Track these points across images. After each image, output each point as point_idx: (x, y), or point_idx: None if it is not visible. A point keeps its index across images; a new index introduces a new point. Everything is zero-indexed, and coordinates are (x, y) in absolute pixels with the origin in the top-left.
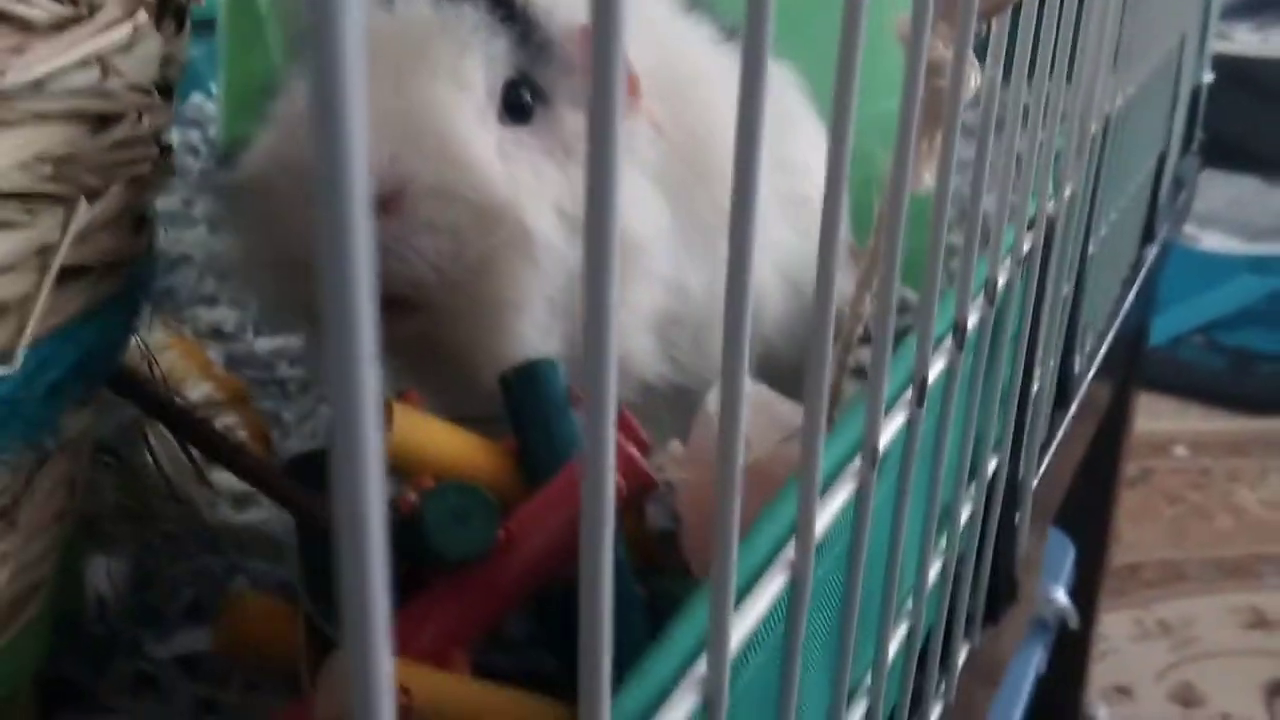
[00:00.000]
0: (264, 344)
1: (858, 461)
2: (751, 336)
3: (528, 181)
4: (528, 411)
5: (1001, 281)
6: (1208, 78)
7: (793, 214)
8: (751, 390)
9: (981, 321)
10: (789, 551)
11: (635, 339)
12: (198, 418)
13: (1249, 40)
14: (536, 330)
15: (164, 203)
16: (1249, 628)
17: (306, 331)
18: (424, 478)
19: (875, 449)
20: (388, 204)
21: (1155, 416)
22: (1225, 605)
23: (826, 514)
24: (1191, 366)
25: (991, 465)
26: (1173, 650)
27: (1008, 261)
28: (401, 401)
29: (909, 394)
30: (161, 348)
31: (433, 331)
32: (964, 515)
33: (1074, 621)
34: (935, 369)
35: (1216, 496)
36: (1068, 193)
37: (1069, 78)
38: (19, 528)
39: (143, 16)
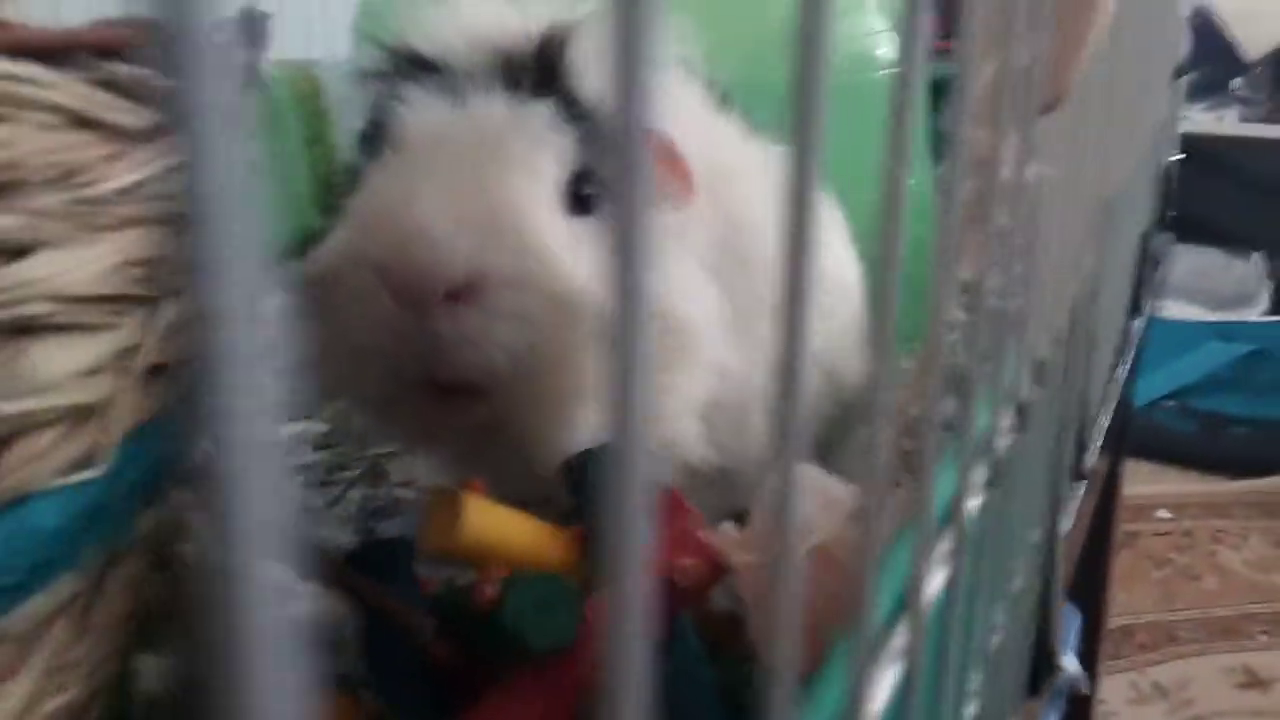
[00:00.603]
0: (286, 430)
1: (948, 541)
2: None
3: (595, 272)
4: (590, 498)
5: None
6: (1176, 157)
7: (825, 300)
8: (804, 473)
9: (1032, 401)
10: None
11: (682, 423)
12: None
13: (1203, 119)
14: (599, 417)
15: None
16: (1243, 688)
17: (367, 418)
18: (497, 568)
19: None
20: (465, 294)
21: (1136, 481)
22: (1218, 666)
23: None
24: (1166, 431)
25: (1034, 535)
26: (1170, 713)
27: (1046, 341)
28: (469, 490)
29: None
30: None
31: (497, 418)
32: (1015, 590)
33: (1086, 688)
34: (1000, 442)
35: (1202, 558)
36: (1088, 269)
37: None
38: (90, 632)
39: None
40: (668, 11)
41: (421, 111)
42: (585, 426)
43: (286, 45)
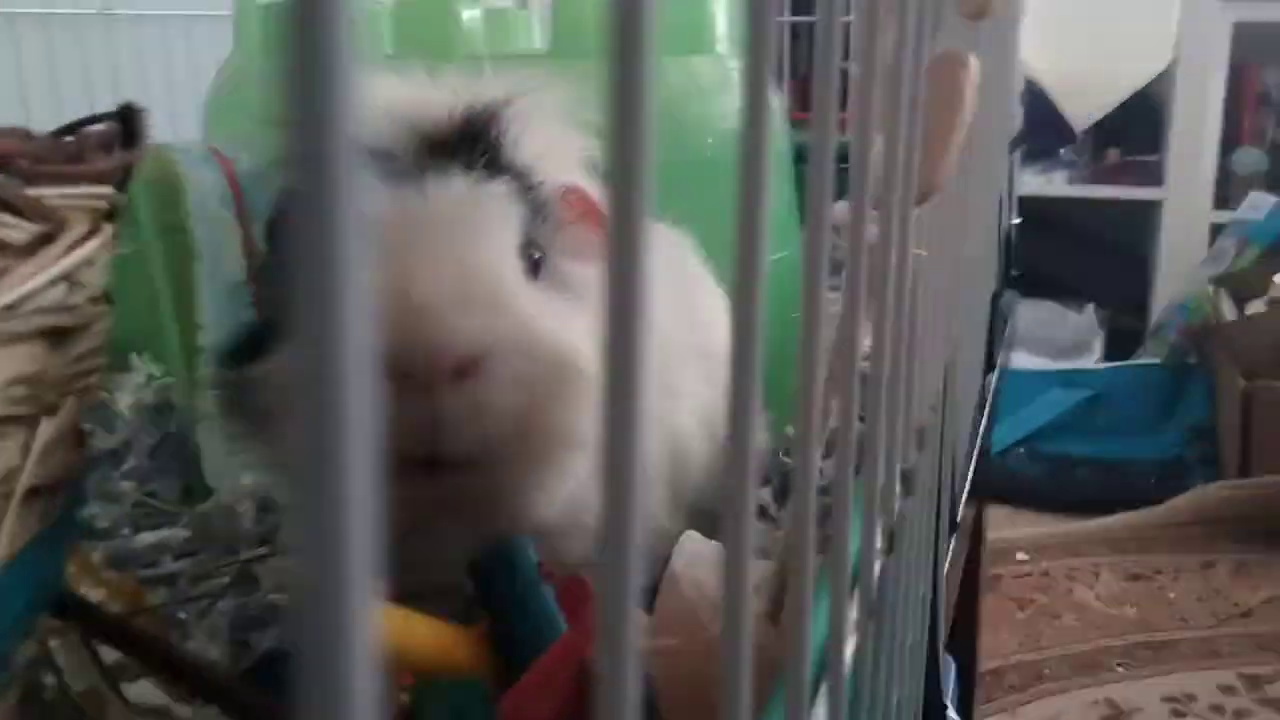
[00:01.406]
0: (144, 539)
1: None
2: (681, 482)
3: (570, 330)
4: (501, 593)
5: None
6: (1015, 220)
7: (705, 368)
8: (709, 551)
9: (917, 469)
10: None
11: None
12: (152, 635)
13: (1035, 182)
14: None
15: None
16: None
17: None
18: (404, 674)
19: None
20: (470, 368)
21: (995, 525)
22: (1083, 701)
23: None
24: (1018, 476)
25: (921, 591)
26: None
27: (926, 406)
28: None
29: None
30: None
31: (479, 489)
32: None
33: None
34: (893, 514)
35: (1060, 596)
36: (955, 334)
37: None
38: None
39: (108, 229)
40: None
41: (377, 195)
42: (566, 489)
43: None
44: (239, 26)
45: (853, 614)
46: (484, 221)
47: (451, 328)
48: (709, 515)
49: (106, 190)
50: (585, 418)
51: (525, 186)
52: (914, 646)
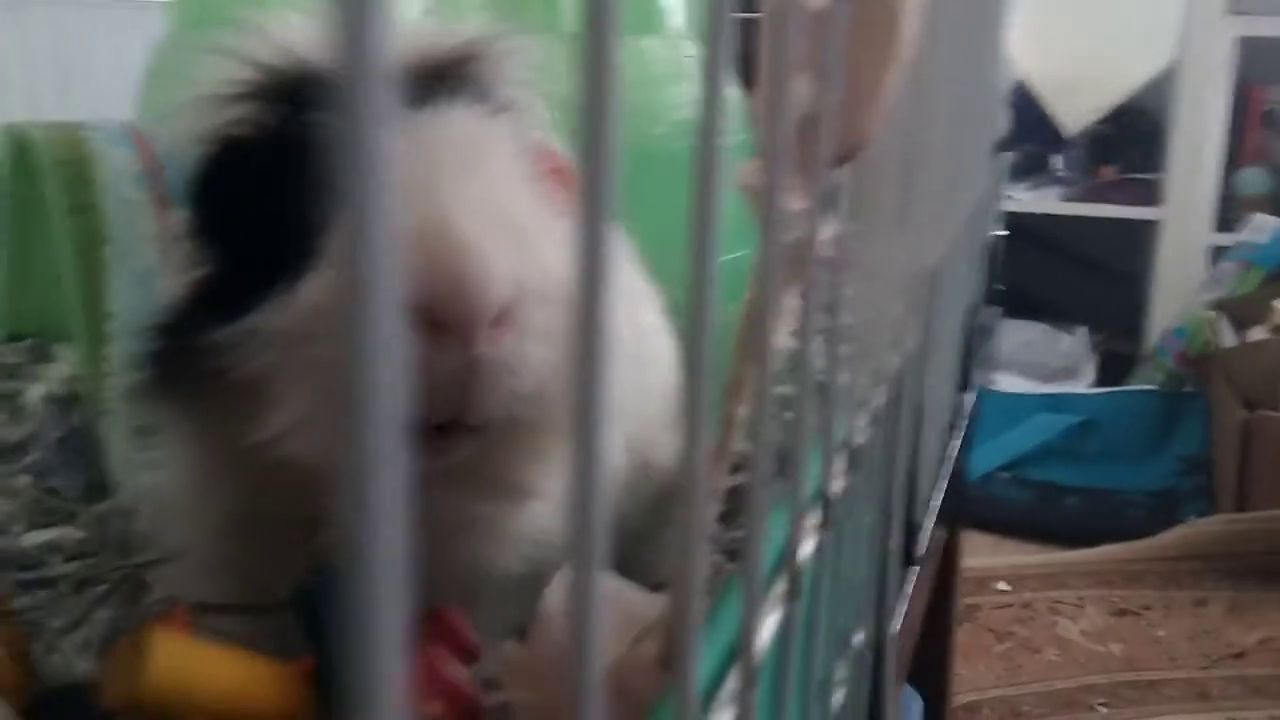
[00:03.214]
0: (35, 538)
1: (732, 682)
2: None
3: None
4: (329, 625)
5: (859, 443)
6: (1000, 233)
7: (640, 375)
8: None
9: (847, 489)
10: None
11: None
12: None
13: (1025, 199)
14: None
15: None
16: None
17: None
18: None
19: (751, 667)
20: (505, 316)
21: (975, 553)
22: None
23: None
24: (1001, 502)
25: (857, 637)
26: None
27: (862, 422)
28: (163, 624)
29: (779, 585)
30: None
31: (484, 455)
32: (837, 695)
33: None
34: (804, 549)
35: (1041, 629)
36: (908, 346)
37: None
38: None
39: None
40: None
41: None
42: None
43: (49, 107)
44: (177, 4)
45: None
46: (504, 153)
47: (492, 270)
48: (625, 536)
49: None
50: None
51: (518, 124)
52: (847, 708)
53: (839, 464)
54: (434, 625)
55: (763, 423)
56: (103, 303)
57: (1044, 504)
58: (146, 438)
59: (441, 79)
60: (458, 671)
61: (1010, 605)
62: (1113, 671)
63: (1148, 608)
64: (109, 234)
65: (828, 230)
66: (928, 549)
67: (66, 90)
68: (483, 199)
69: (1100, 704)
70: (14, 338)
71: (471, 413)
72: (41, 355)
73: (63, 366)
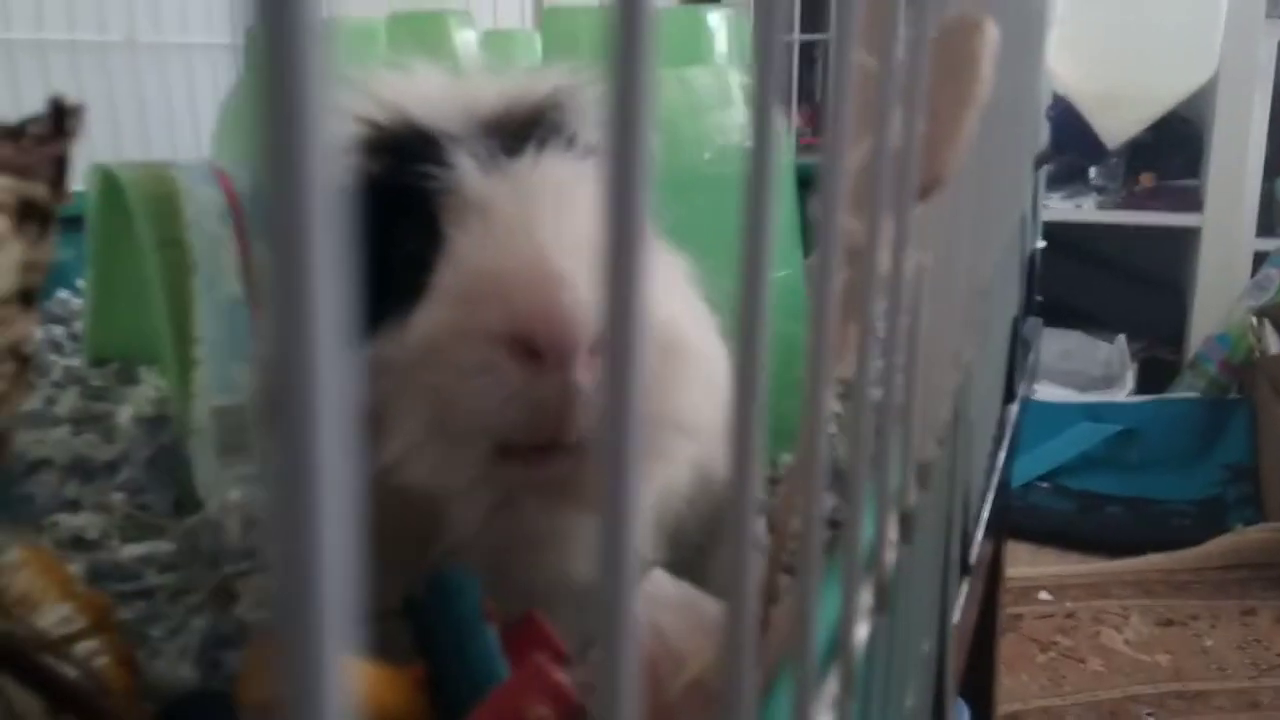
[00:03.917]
0: (131, 550)
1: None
2: (666, 509)
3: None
4: (439, 633)
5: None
6: (1040, 244)
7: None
8: (674, 592)
9: (918, 508)
10: None
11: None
12: (37, 660)
13: (1062, 207)
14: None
15: (27, 401)
16: None
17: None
18: None
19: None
20: (599, 346)
21: (1017, 563)
22: None
23: None
24: (1042, 512)
25: (924, 645)
26: None
27: (930, 442)
28: None
29: (862, 599)
30: (16, 566)
31: (577, 471)
32: (909, 700)
33: None
34: (889, 564)
35: (1085, 639)
36: (966, 360)
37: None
38: None
39: (3, 224)
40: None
41: (476, 176)
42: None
43: (141, 146)
44: (246, 48)
45: (832, 687)
46: (592, 194)
47: (589, 301)
48: (688, 548)
49: (24, 184)
50: (693, 404)
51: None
52: (916, 709)
53: (911, 479)
54: (528, 629)
55: (860, 432)
56: (190, 329)
57: (1085, 513)
58: (233, 456)
59: (533, 126)
60: (562, 675)
61: (1053, 615)
62: (1159, 682)
63: (1195, 617)
64: (196, 266)
65: (906, 260)
66: (977, 561)
67: (145, 131)
68: (576, 237)
69: (1148, 715)
70: (98, 362)
71: (568, 434)
72: (127, 378)
73: (148, 389)
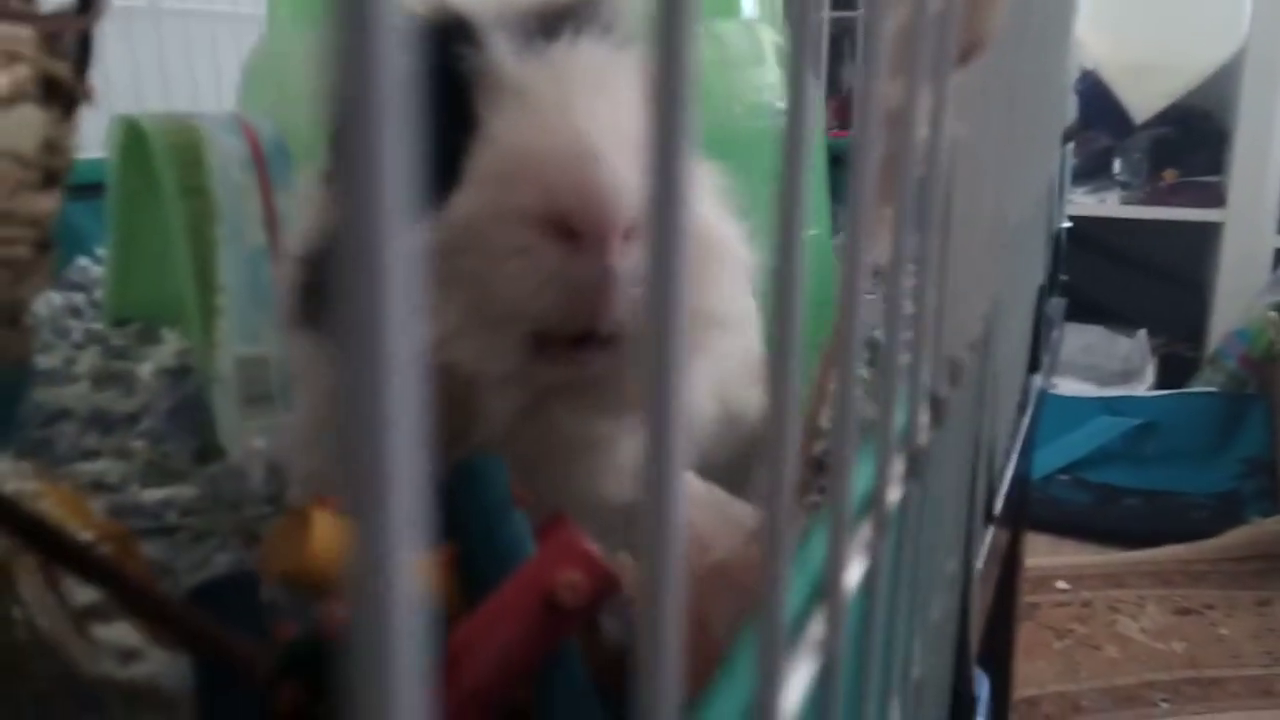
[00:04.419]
0: (152, 494)
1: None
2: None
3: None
4: (466, 515)
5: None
6: (1066, 224)
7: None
8: (704, 491)
9: (932, 443)
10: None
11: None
12: (79, 543)
13: (1086, 202)
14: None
15: (45, 361)
16: None
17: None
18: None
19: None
20: (635, 231)
21: (1035, 553)
22: None
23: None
24: (1061, 503)
25: (950, 564)
26: None
27: (961, 343)
28: (320, 508)
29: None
30: (35, 496)
31: (611, 370)
32: (934, 615)
33: None
34: (892, 496)
35: (1101, 628)
36: (995, 291)
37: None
38: None
39: (23, 71)
40: None
41: (512, 60)
42: (731, 355)
43: (168, 99)
44: (271, 6)
45: (864, 535)
46: (628, 81)
47: (624, 184)
48: (716, 471)
49: (50, 61)
50: (729, 297)
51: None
52: (941, 624)
53: (943, 368)
54: (557, 526)
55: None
56: (213, 278)
57: (1104, 506)
58: (255, 405)
59: (570, 14)
60: (592, 548)
61: (1069, 604)
62: (1175, 669)
63: (1210, 607)
64: (219, 214)
65: (943, 127)
66: (998, 520)
67: (168, 96)
68: (612, 120)
69: (1162, 700)
70: (120, 322)
71: (604, 322)
72: (149, 338)
73: (170, 348)
